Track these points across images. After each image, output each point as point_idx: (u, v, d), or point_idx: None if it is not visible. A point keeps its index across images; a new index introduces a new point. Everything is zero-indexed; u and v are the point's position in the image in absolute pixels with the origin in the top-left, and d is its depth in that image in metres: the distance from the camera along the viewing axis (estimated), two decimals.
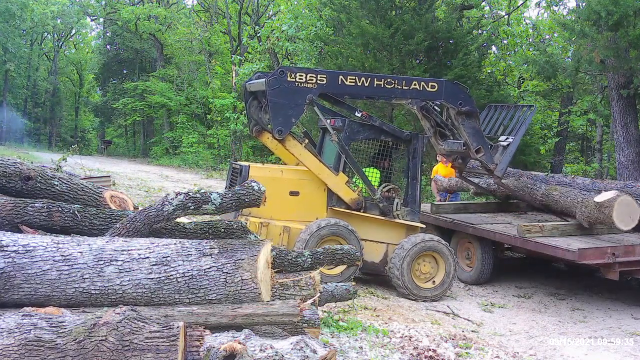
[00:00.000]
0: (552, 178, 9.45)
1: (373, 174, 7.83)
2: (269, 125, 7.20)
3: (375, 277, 7.93)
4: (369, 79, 7.37)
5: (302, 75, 7.08)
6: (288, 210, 7.27)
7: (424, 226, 7.82)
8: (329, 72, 7.53)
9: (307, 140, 7.54)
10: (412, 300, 7.22)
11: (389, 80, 7.43)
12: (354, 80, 7.29)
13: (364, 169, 7.71)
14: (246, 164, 7.51)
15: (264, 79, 7.12)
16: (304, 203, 7.35)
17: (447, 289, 7.50)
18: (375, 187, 7.52)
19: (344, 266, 6.96)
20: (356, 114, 7.63)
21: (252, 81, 7.50)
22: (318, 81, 7.14)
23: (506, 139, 7.88)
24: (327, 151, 8.08)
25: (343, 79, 7.27)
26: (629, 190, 7.89)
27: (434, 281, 7.44)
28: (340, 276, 7.02)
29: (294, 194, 7.32)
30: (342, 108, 7.97)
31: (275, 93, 6.98)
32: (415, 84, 7.45)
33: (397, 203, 7.52)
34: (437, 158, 10.59)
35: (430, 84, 7.48)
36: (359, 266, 6.24)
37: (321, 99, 7.79)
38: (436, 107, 7.90)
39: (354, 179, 7.61)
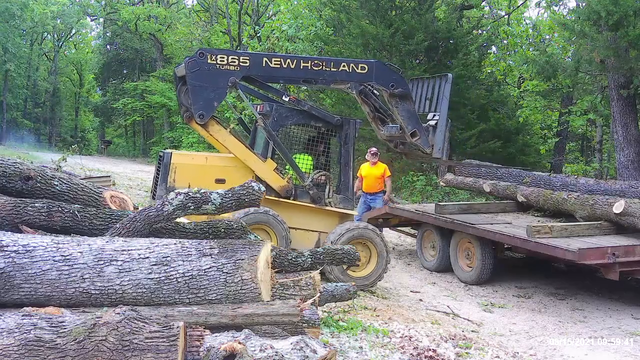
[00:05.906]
0: (555, 178, 9.42)
1: (305, 161, 7.55)
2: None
3: None
4: (295, 60, 7.14)
5: (223, 57, 6.85)
6: None
7: (357, 214, 7.52)
8: (252, 54, 7.28)
9: (232, 126, 7.24)
10: None
11: (316, 62, 7.18)
12: (279, 63, 7.05)
13: (295, 156, 7.43)
14: (169, 151, 7.25)
15: None
16: None
17: (380, 277, 7.30)
18: (307, 174, 7.27)
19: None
20: (284, 97, 7.37)
21: (180, 65, 7.18)
22: (241, 63, 6.91)
23: (433, 116, 7.65)
24: (259, 138, 7.78)
25: (267, 61, 7.04)
26: (634, 190, 7.91)
27: (366, 269, 7.25)
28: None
29: (219, 181, 6.98)
30: (270, 92, 7.66)
31: (195, 76, 6.75)
32: (344, 66, 7.24)
33: (329, 190, 7.32)
34: (366, 157, 9.84)
35: (360, 65, 7.27)
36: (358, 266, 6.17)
37: (249, 83, 7.46)
38: (375, 92, 7.56)
39: (286, 167, 7.33)
